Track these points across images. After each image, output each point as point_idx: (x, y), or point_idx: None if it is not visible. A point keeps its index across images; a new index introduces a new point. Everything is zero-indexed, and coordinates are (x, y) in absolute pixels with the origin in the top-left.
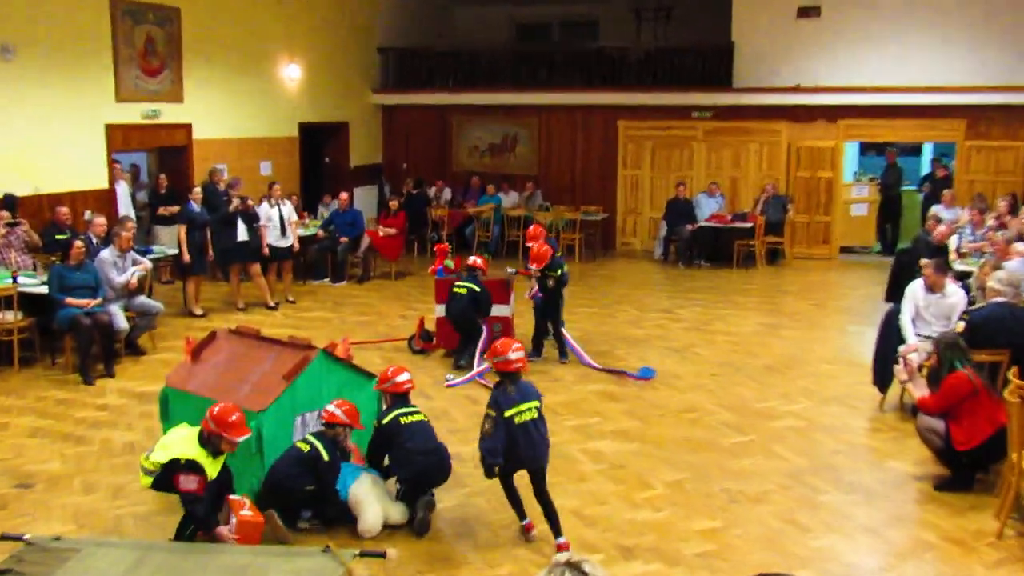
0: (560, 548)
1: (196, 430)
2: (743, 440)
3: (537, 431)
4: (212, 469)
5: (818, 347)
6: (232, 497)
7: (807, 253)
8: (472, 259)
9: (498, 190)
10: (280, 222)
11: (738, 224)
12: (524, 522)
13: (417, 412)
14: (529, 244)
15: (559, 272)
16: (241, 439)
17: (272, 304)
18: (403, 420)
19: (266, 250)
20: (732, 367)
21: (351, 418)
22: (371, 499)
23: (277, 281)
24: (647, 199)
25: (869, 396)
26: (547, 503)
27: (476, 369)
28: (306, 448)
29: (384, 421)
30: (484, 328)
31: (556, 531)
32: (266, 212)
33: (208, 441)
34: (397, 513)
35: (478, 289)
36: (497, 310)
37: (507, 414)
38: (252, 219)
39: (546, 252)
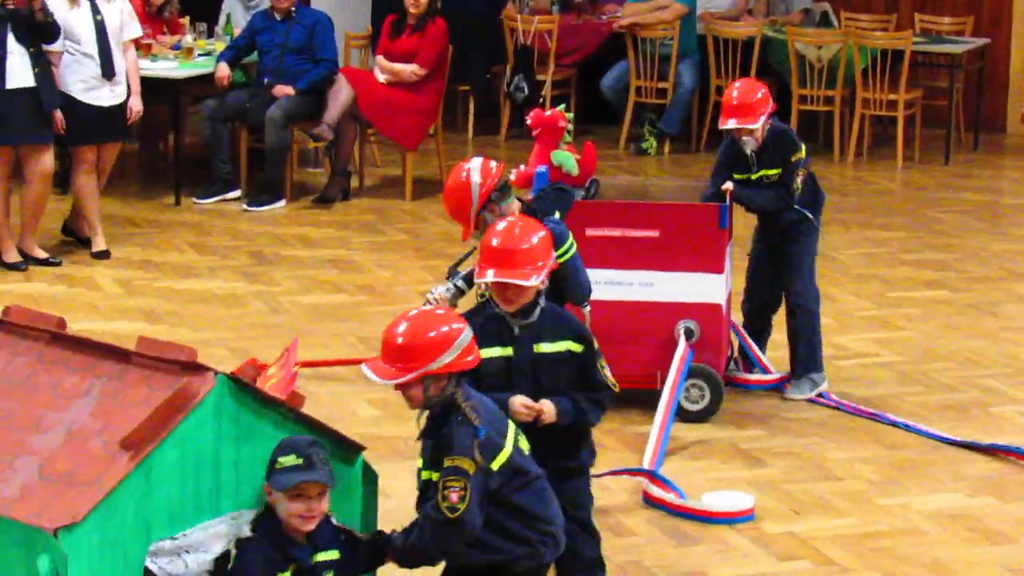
0: None
1: None
2: None
3: None
4: None
5: None
6: None
7: None
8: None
9: None
10: (101, 46)
11: None
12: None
13: None
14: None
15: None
16: None
17: (100, 249)
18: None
19: (59, 117)
20: None
21: None
22: None
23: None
24: None
25: None
26: None
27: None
28: None
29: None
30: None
31: None
32: (65, 17)
33: None
34: None
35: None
36: (696, 287)
37: None
38: (40, 31)
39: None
